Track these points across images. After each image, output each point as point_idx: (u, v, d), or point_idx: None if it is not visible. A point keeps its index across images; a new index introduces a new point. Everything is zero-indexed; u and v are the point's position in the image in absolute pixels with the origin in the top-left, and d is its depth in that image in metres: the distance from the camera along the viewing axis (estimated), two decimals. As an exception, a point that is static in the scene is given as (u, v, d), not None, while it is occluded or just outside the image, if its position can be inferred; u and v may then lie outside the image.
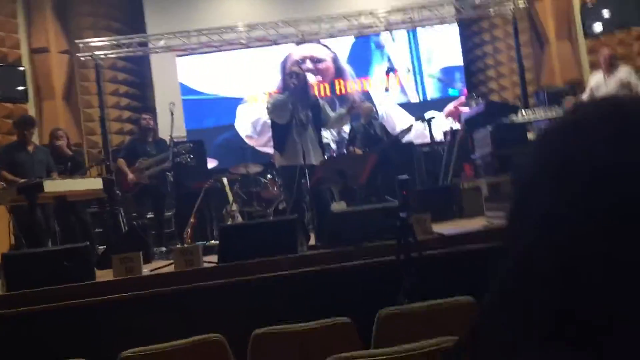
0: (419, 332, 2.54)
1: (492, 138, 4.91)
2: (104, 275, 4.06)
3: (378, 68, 10.00)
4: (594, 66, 8.79)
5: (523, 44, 9.47)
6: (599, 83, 6.55)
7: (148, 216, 6.87)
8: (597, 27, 9.05)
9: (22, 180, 5.29)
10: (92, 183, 5.41)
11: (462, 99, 9.84)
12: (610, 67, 6.50)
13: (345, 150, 8.28)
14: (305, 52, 9.92)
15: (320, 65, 9.95)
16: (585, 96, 6.76)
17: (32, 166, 5.57)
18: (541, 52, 9.77)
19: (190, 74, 9.79)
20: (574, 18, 9.36)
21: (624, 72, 6.53)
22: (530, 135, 5.38)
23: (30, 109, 8.64)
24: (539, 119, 7.40)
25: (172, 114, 5.84)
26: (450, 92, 10.07)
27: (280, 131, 5.25)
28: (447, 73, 9.98)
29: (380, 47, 10.09)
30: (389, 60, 9.97)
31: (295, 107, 5.09)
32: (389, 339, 2.62)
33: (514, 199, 0.59)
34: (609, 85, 6.45)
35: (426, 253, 3.25)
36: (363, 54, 10.06)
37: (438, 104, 9.87)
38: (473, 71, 10.35)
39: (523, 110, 7.51)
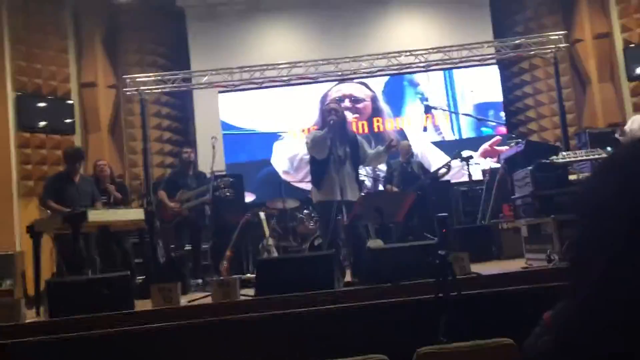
0: (458, 372, 2.50)
1: (532, 178, 4.85)
2: (142, 305, 4.11)
3: (411, 106, 10.05)
4: (637, 109, 8.67)
5: (564, 85, 9.41)
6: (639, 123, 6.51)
7: (185, 248, 6.95)
8: (640, 69, 8.96)
9: (68, 210, 5.44)
10: (134, 214, 5.53)
11: (498, 138, 9.78)
12: None
13: (382, 188, 8.29)
14: (345, 91, 10.04)
15: (359, 105, 10.05)
16: (622, 137, 6.71)
17: (78, 196, 5.73)
18: (583, 94, 9.68)
19: (230, 109, 10.00)
20: (617, 60, 9.28)
21: None
22: (572, 177, 5.30)
23: (77, 141, 8.93)
24: (580, 160, 7.30)
25: (213, 147, 5.96)
26: (484, 131, 10.03)
27: (318, 167, 5.30)
28: (483, 112, 9.95)
29: (414, 85, 10.15)
30: (423, 98, 10.02)
31: (334, 143, 5.14)
32: (426, 378, 2.58)
33: (581, 232, 0.59)
34: None
35: (465, 292, 3.21)
36: (397, 92, 10.13)
37: (473, 143, 9.82)
38: (513, 111, 10.31)
39: (564, 152, 7.43)
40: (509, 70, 10.39)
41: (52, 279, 5.26)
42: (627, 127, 6.58)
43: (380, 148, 5.54)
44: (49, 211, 5.82)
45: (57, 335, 3.47)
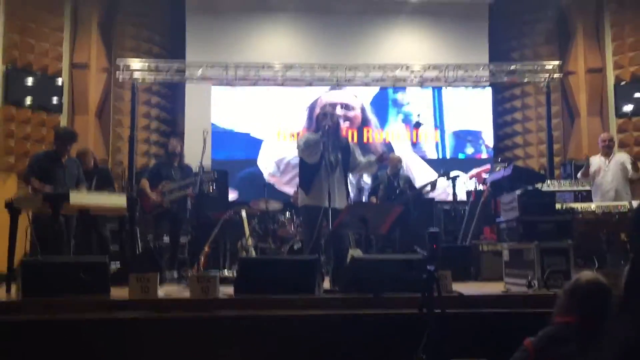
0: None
1: (519, 203, 4.88)
2: (117, 291, 4.04)
3: (393, 123, 10.08)
4: (623, 145, 8.81)
5: (553, 115, 9.54)
6: (600, 165, 6.80)
7: (164, 239, 6.87)
8: (628, 107, 9.11)
9: (49, 188, 5.34)
10: (117, 200, 5.44)
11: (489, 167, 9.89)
12: (608, 150, 6.80)
13: (365, 199, 8.29)
14: (335, 99, 10.03)
15: (350, 113, 10.05)
16: (583, 178, 7.01)
17: (63, 178, 5.62)
18: (570, 125, 9.81)
19: (222, 104, 9.92)
20: (607, 95, 9.42)
21: (621, 156, 6.92)
22: (558, 206, 5.35)
23: (63, 121, 8.80)
24: (564, 190, 7.40)
25: (204, 141, 5.90)
26: (460, 155, 10.11)
27: (308, 170, 5.26)
28: (463, 137, 10.05)
29: (398, 104, 10.16)
30: (406, 118, 10.07)
31: (327, 148, 5.11)
32: (404, 393, 2.56)
33: None
34: (610, 167, 6.76)
35: (447, 311, 3.20)
36: (382, 105, 10.14)
37: (455, 164, 9.83)
38: (500, 136, 10.40)
39: (549, 180, 7.52)
40: (501, 95, 10.48)
41: (28, 257, 5.15)
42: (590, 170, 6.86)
43: (372, 158, 5.53)
44: (29, 188, 5.69)
45: (30, 315, 3.40)
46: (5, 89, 8.19)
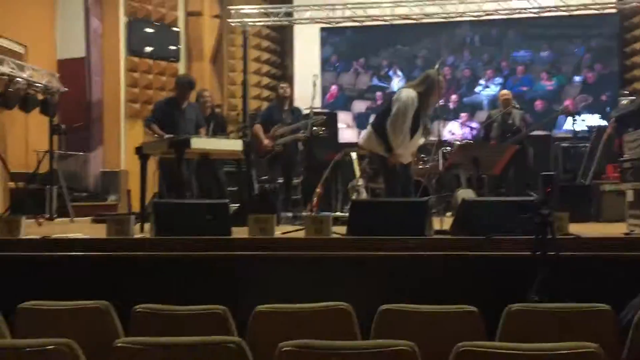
0: (548, 333, 2.48)
1: (646, 141, 4.57)
2: (236, 232, 4.29)
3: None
4: None
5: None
6: None
7: (278, 181, 7.14)
8: None
9: (169, 135, 5.70)
10: (233, 144, 5.72)
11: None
12: None
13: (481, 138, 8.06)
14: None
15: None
16: None
17: (183, 123, 5.98)
18: None
19: (330, 46, 9.91)
20: None
21: None
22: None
23: (181, 68, 9.23)
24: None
25: (314, 85, 5.99)
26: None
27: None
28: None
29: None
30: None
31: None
32: (515, 335, 2.57)
33: None
34: None
35: (563, 253, 3.13)
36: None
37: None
38: (628, 66, 9.61)
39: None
40: (629, 21, 9.62)
41: (158, 199, 5.58)
42: None
43: None
44: (155, 135, 6.11)
45: (162, 252, 3.73)
46: (128, 40, 8.69)
